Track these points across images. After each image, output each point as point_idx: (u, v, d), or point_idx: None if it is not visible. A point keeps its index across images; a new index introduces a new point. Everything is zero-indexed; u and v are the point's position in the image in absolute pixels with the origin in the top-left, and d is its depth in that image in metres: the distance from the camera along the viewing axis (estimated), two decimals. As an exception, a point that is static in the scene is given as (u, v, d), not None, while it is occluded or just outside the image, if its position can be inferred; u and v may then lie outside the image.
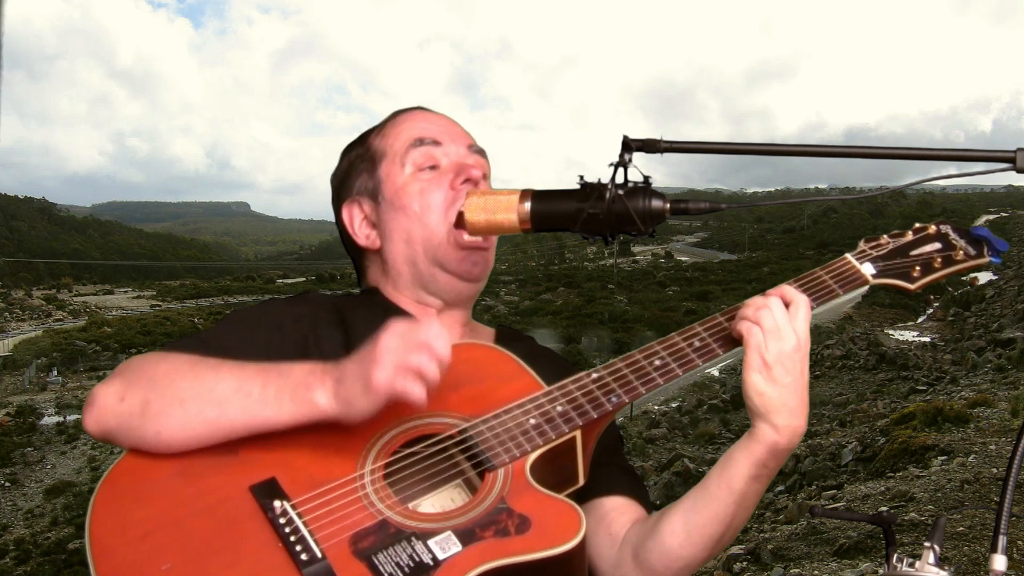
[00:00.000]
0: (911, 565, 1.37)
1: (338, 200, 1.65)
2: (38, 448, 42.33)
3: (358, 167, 1.62)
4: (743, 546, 9.78)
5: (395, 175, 1.56)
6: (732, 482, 1.33)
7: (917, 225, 1.51)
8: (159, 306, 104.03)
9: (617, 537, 1.44)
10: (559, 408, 1.30)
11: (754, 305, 1.33)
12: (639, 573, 1.39)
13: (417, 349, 1.15)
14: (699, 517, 1.35)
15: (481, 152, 1.61)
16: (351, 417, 1.18)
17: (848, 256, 1.45)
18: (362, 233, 1.60)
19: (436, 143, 1.57)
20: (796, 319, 1.30)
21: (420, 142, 1.56)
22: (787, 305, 1.32)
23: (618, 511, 1.47)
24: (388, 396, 1.15)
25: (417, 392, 1.14)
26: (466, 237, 1.50)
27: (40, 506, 34.06)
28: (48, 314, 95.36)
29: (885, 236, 1.49)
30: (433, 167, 1.55)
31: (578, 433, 1.29)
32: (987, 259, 1.46)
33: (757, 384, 1.29)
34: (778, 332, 1.29)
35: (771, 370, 1.28)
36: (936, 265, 1.44)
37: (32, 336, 75.93)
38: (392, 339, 1.16)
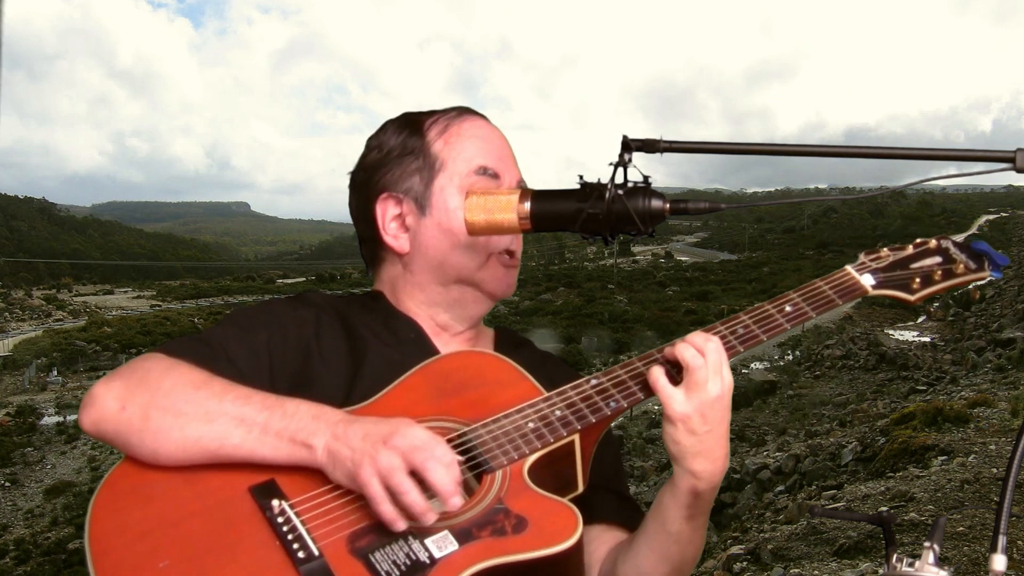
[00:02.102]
0: (911, 565, 1.37)
1: (373, 181, 1.55)
2: (38, 448, 42.31)
3: (410, 163, 1.53)
4: (743, 546, 9.78)
5: (450, 196, 1.50)
6: (667, 525, 1.35)
7: (918, 240, 1.52)
8: (159, 306, 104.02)
9: (594, 570, 1.46)
10: (558, 413, 1.30)
11: (676, 356, 1.29)
12: None
13: (407, 480, 1.12)
14: (647, 561, 1.38)
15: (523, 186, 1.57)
16: (331, 476, 1.19)
17: (848, 268, 1.46)
18: (391, 231, 1.54)
19: (496, 176, 1.52)
20: (722, 367, 1.27)
21: (484, 171, 1.51)
22: (703, 354, 1.27)
23: (600, 540, 1.48)
24: (363, 492, 1.15)
25: (384, 510, 1.13)
26: (507, 257, 1.51)
27: (40, 506, 34.05)
28: (48, 314, 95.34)
29: (886, 249, 1.50)
30: None
31: (576, 438, 1.30)
32: (987, 274, 1.47)
33: (671, 434, 1.28)
34: (699, 387, 1.26)
35: (689, 421, 1.26)
36: (936, 278, 1.45)
37: (32, 336, 75.92)
38: (402, 443, 1.14)
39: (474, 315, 1.58)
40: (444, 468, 1.14)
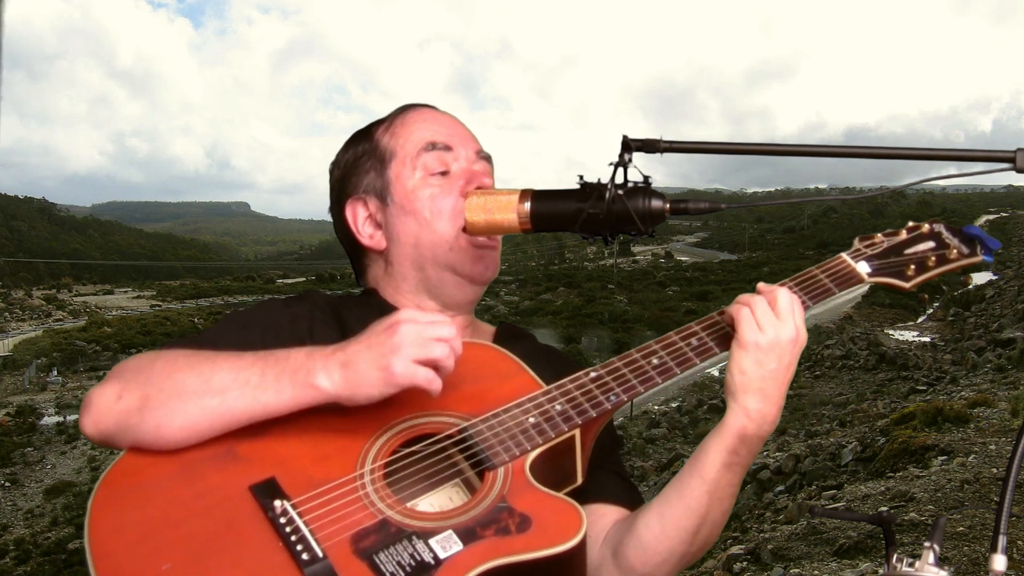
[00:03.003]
0: (911, 565, 1.37)
1: (340, 194, 1.61)
2: (38, 448, 42.32)
3: (364, 164, 1.58)
4: (743, 546, 9.78)
5: (405, 178, 1.54)
6: (704, 471, 1.33)
7: (911, 224, 1.51)
8: (159, 306, 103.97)
9: (597, 539, 1.43)
10: (558, 407, 1.30)
11: (756, 293, 1.35)
12: (619, 571, 1.38)
13: (436, 342, 1.19)
14: (673, 510, 1.35)
15: (488, 158, 1.61)
16: (356, 400, 1.20)
17: (843, 255, 1.46)
18: (366, 232, 1.58)
19: (447, 148, 1.55)
20: (796, 314, 1.32)
21: (432, 146, 1.54)
22: (776, 298, 1.33)
23: (599, 514, 1.46)
24: (405, 386, 1.18)
25: (436, 385, 1.19)
26: (479, 238, 1.51)
27: (40, 506, 34.07)
28: (48, 314, 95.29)
29: (879, 235, 1.49)
30: (444, 173, 1.54)
31: (577, 432, 1.30)
32: (980, 258, 1.47)
33: (741, 361, 1.30)
34: (778, 319, 1.31)
35: (761, 352, 1.29)
36: (930, 264, 1.45)
37: (32, 336, 75.89)
38: (410, 328, 1.19)
39: (460, 301, 1.58)
40: (448, 327, 1.22)
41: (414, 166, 1.54)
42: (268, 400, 1.20)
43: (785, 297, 1.33)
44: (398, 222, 1.54)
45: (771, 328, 1.30)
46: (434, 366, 1.19)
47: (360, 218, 1.58)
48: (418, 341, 1.18)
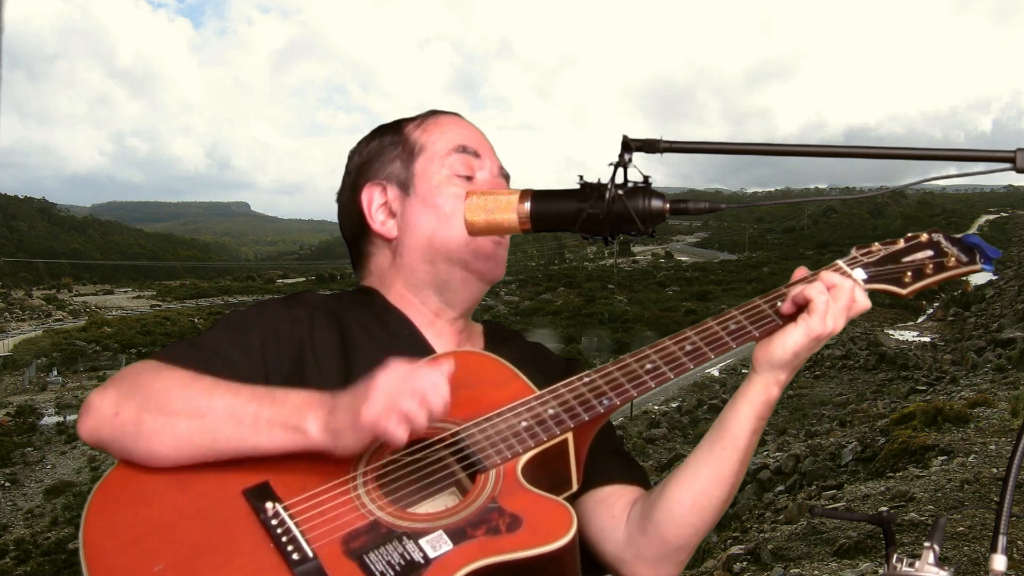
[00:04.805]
0: (911, 565, 1.37)
1: (358, 178, 1.62)
2: (38, 448, 42.37)
3: (390, 152, 1.60)
4: (743, 546, 9.79)
5: (432, 173, 1.56)
6: (737, 440, 1.37)
7: (909, 234, 1.51)
8: (159, 306, 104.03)
9: (620, 519, 1.45)
10: (550, 411, 1.30)
11: (830, 282, 1.35)
12: (650, 547, 1.41)
13: (411, 395, 1.16)
14: (706, 481, 1.38)
15: (507, 177, 1.64)
16: (338, 449, 1.19)
17: (839, 262, 1.45)
18: (378, 218, 1.58)
19: (476, 155, 1.58)
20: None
21: (463, 149, 1.58)
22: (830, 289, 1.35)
23: (617, 495, 1.48)
24: (373, 434, 1.16)
25: (399, 435, 1.15)
26: (494, 237, 1.52)
27: (40, 506, 34.11)
28: (48, 314, 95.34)
29: (877, 244, 1.49)
30: (468, 177, 1.56)
31: (570, 436, 1.30)
32: (979, 266, 1.46)
33: (798, 345, 1.32)
34: (838, 315, 1.33)
35: (820, 342, 1.33)
36: (928, 271, 1.45)
37: (32, 336, 75.93)
38: (388, 378, 1.17)
39: (464, 299, 1.59)
40: (441, 378, 1.19)
41: (442, 164, 1.56)
42: (258, 443, 1.21)
43: (857, 298, 1.35)
44: (416, 214, 1.55)
45: (834, 323, 1.32)
46: (405, 418, 1.15)
47: (375, 203, 1.59)
48: (392, 390, 1.16)
